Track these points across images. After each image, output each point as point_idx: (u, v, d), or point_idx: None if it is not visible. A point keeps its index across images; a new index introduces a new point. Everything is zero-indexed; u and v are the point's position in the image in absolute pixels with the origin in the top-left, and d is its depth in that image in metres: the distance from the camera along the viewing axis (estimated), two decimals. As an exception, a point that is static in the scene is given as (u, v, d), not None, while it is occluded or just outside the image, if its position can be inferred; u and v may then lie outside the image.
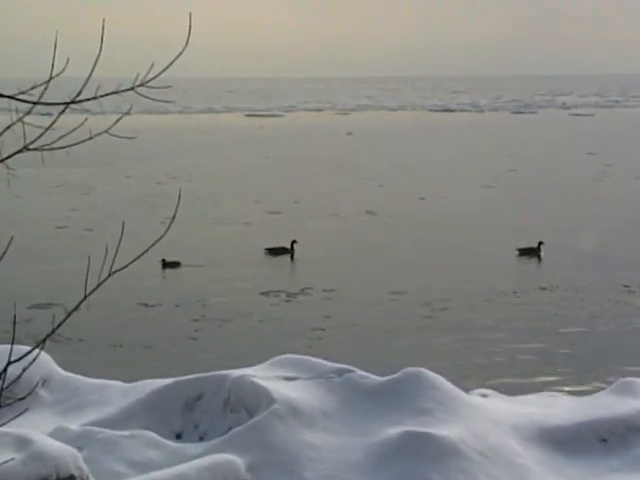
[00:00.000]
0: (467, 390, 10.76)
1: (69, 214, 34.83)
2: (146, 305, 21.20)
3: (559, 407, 10.27)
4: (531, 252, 26.59)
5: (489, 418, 9.59)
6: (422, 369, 9.99)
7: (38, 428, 9.56)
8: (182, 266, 25.25)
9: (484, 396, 10.89)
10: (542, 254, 26.38)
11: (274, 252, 26.95)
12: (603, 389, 10.70)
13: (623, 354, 17.30)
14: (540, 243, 26.54)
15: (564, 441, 9.47)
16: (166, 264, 25.04)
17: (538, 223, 31.93)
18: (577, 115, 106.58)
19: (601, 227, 31.08)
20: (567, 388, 13.27)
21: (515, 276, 24.36)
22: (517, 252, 26.66)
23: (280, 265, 25.70)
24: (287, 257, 26.62)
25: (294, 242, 26.96)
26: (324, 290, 22.51)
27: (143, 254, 4.69)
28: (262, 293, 22.24)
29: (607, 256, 26.21)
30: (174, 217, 5.27)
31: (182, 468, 9.12)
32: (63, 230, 31.64)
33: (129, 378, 11.83)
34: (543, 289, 22.43)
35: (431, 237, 29.80)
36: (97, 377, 11.57)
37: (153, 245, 4.71)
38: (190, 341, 18.49)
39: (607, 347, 17.90)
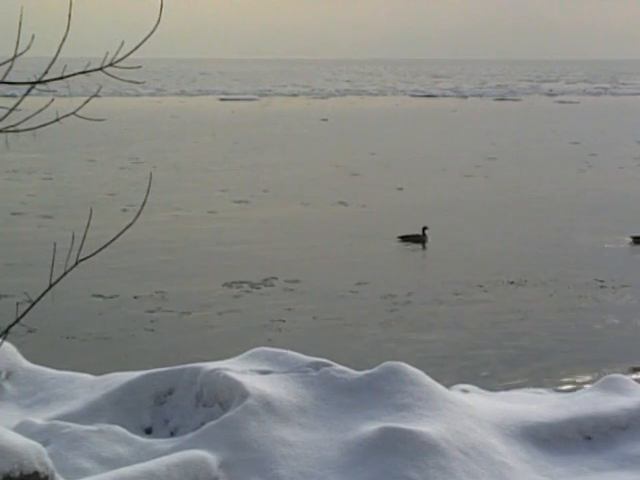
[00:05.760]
0: (448, 385, 10.48)
1: (26, 199, 33.99)
2: (102, 296, 20.56)
3: (542, 404, 10.03)
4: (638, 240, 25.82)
5: (470, 414, 9.33)
6: (402, 363, 9.70)
7: (1, 422, 9.24)
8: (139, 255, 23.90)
9: (465, 392, 10.64)
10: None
11: (407, 239, 26.54)
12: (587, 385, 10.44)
13: (608, 349, 16.97)
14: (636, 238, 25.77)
15: (547, 438, 9.23)
16: None
17: (516, 213, 31.71)
18: (563, 103, 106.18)
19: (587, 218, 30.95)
20: (551, 384, 13.01)
21: (486, 269, 24.09)
22: (630, 240, 25.92)
23: (248, 255, 25.05)
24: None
25: (425, 228, 26.51)
26: (287, 281, 21.95)
27: (110, 242, 4.67)
28: (225, 284, 21.62)
29: (582, 251, 25.98)
30: (144, 204, 5.15)
31: (151, 464, 8.80)
32: (18, 217, 30.66)
33: (84, 370, 11.44)
34: (511, 283, 22.05)
35: (404, 228, 29.43)
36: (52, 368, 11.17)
37: (121, 234, 4.64)
38: (147, 332, 17.96)
39: (591, 342, 17.56)
